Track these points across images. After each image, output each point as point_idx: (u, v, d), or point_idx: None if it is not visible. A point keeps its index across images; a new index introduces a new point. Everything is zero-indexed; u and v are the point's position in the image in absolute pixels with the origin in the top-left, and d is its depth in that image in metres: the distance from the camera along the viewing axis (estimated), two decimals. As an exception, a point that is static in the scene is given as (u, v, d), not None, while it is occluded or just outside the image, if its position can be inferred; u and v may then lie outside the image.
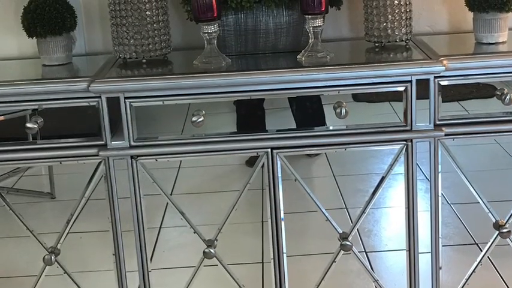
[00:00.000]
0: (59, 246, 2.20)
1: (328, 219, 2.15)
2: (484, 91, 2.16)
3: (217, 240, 2.17)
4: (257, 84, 2.02)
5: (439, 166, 2.10)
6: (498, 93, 2.09)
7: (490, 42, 2.16)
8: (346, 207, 2.93)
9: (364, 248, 2.74)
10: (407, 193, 2.11)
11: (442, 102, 2.06)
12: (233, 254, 2.41)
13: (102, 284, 2.49)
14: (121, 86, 2.02)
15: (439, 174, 2.10)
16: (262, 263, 2.66)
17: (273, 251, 2.15)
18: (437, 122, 2.07)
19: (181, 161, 2.72)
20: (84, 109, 2.06)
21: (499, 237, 2.18)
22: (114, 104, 2.03)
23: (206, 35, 2.08)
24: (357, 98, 2.10)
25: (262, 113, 2.28)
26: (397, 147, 2.08)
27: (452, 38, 2.39)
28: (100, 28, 2.42)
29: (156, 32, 2.14)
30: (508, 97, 2.06)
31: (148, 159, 2.08)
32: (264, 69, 2.07)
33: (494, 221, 2.18)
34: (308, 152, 2.16)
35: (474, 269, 2.22)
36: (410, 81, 2.01)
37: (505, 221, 2.18)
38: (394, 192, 2.86)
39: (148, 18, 2.12)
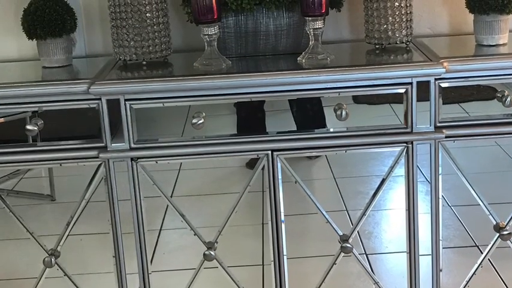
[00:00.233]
0: (59, 249, 2.20)
1: (328, 221, 2.15)
2: (484, 93, 2.16)
3: (217, 243, 2.17)
4: (257, 86, 2.01)
5: (440, 168, 2.10)
6: (499, 95, 2.09)
7: (491, 44, 2.16)
8: (346, 209, 2.93)
9: (365, 250, 2.73)
10: (407, 195, 2.11)
11: (443, 104, 2.05)
12: (233, 256, 2.41)
13: (103, 286, 2.48)
14: (121, 88, 2.01)
15: (440, 176, 2.10)
16: (263, 265, 2.65)
17: (273, 253, 2.14)
18: (438, 124, 2.07)
19: (181, 163, 2.71)
20: (84, 111, 2.06)
21: (499, 239, 2.18)
22: (114, 106, 2.03)
23: (206, 37, 2.08)
24: (357, 100, 2.10)
25: (263, 115, 2.27)
26: (397, 149, 2.08)
27: (452, 40, 2.39)
28: (100, 30, 2.42)
29: (156, 34, 2.13)
30: (508, 99, 2.06)
31: (149, 161, 2.08)
32: (265, 71, 2.06)
33: (494, 223, 2.18)
34: (308, 154, 2.15)
35: (475, 271, 2.22)
36: (411, 83, 2.01)
37: (505, 223, 2.18)
38: (395, 194, 2.85)
39: (148, 20, 2.12)
